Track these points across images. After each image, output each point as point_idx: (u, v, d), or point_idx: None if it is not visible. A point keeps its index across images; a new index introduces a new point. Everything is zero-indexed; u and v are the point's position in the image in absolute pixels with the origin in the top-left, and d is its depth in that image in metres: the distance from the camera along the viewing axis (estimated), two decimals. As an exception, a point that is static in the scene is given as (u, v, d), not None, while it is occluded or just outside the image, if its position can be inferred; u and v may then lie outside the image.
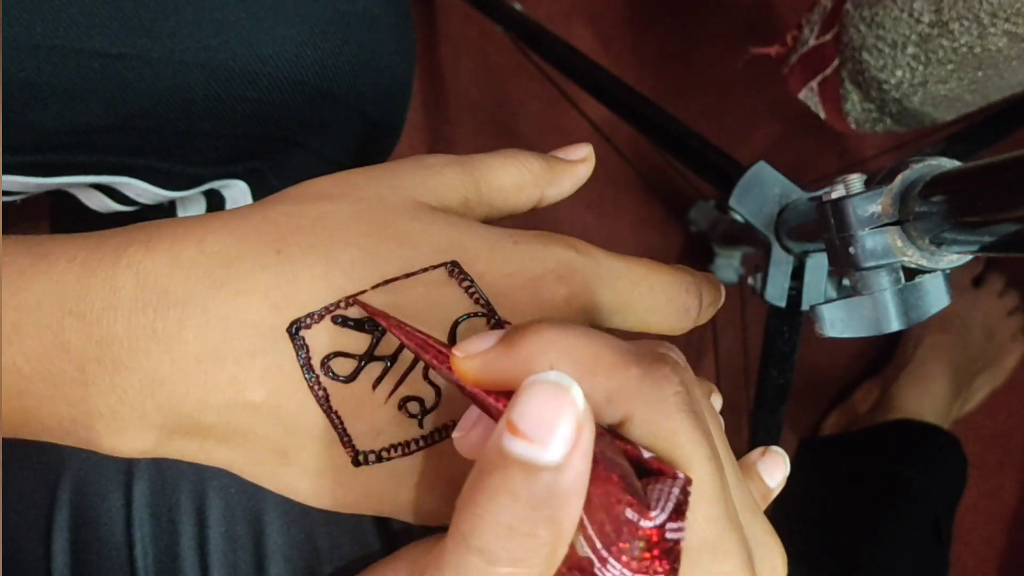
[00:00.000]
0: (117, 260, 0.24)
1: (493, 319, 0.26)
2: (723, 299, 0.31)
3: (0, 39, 0.29)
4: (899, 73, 0.49)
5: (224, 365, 0.24)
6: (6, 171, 0.33)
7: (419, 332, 0.24)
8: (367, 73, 0.38)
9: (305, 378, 0.24)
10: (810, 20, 0.55)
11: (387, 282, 0.25)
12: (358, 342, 0.25)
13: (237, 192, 0.41)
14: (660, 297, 0.28)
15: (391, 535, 0.32)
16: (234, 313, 0.24)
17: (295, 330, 0.24)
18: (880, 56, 0.49)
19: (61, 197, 0.60)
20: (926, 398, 0.81)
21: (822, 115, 0.56)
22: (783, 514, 0.80)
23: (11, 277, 0.23)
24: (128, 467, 0.30)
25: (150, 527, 0.31)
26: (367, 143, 0.42)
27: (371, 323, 0.25)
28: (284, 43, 0.35)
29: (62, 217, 0.63)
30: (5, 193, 0.36)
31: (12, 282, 0.23)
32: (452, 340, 0.26)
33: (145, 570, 0.30)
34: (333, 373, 0.25)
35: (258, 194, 0.41)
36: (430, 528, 0.29)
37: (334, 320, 0.25)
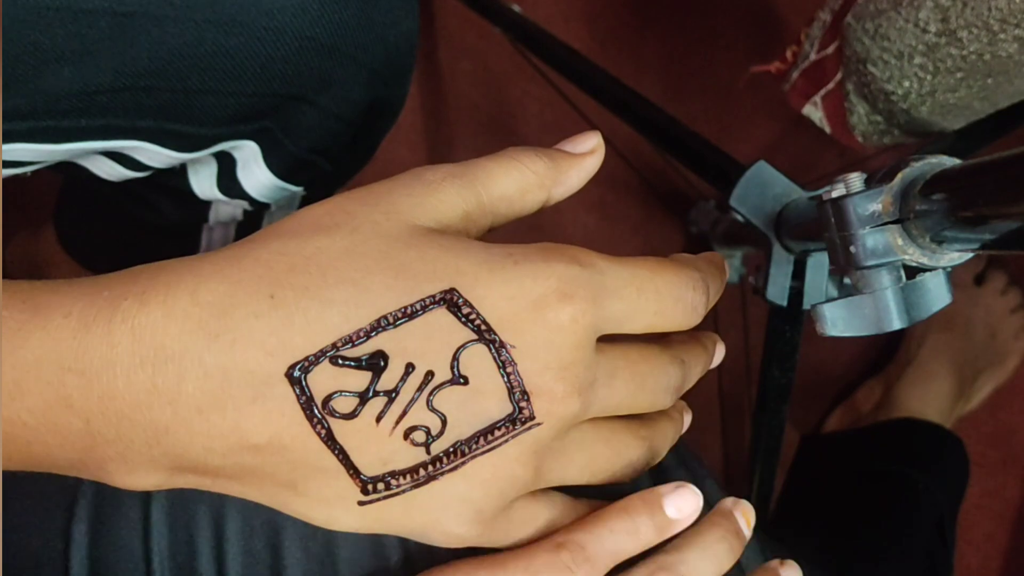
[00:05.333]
0: (112, 315, 0.24)
1: (496, 344, 0.25)
2: (727, 278, 0.31)
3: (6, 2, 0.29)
4: (907, 84, 0.48)
5: (225, 413, 0.24)
6: (17, 139, 0.33)
7: None
8: (371, 28, 0.38)
9: (307, 419, 0.24)
10: (810, 35, 0.54)
11: (384, 318, 0.25)
12: (358, 380, 0.25)
13: (248, 153, 0.40)
14: (667, 299, 0.27)
15: (411, 547, 0.32)
16: (231, 363, 0.24)
17: (293, 374, 0.24)
18: (886, 68, 0.48)
19: (71, 181, 0.60)
20: (929, 397, 0.81)
21: (827, 130, 0.55)
22: (787, 513, 0.80)
23: (8, 334, 0.23)
24: None
25: (168, 541, 0.31)
26: (375, 100, 0.41)
27: (370, 360, 0.25)
28: None
29: (73, 192, 0.63)
30: (17, 164, 0.35)
31: (9, 339, 0.23)
32: (455, 369, 0.25)
33: None
34: (335, 412, 0.25)
35: (268, 154, 0.41)
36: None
37: (332, 361, 0.24)
